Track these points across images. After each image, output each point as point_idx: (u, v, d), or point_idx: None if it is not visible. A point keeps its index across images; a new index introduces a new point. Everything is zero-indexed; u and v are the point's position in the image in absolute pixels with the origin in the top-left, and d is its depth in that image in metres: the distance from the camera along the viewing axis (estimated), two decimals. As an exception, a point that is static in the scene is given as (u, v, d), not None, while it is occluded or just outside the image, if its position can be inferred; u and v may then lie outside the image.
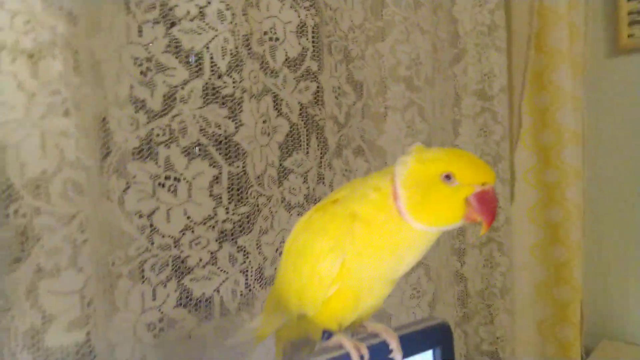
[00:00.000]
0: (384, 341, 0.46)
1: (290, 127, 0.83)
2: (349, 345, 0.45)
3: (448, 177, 0.45)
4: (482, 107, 1.28)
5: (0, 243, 0.49)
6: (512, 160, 1.37)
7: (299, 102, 0.85)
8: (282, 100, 0.82)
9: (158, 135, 0.68)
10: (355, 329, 0.51)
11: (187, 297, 0.70)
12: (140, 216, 0.66)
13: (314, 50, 0.87)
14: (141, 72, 0.67)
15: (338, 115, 0.94)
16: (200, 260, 0.71)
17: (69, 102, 0.50)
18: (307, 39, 0.86)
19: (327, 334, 0.48)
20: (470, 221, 0.45)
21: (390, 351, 0.46)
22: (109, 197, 0.63)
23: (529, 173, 1.41)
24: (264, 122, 0.79)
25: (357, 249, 0.46)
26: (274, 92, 0.81)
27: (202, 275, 0.71)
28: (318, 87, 0.88)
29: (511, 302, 1.26)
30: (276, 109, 0.81)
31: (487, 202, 0.44)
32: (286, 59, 0.83)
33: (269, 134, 0.79)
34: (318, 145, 0.88)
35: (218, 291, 0.72)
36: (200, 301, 0.71)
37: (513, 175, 1.37)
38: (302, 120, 0.85)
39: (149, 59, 0.67)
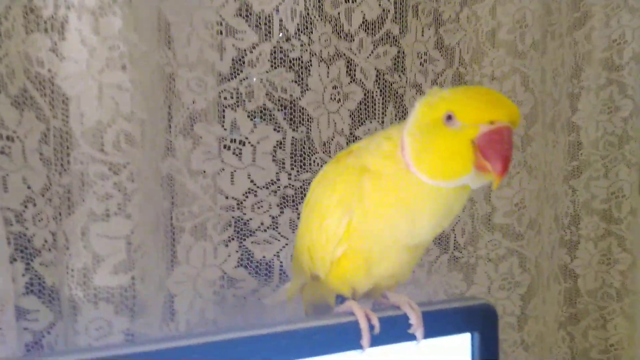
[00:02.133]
0: (405, 315, 0.41)
1: (365, 95, 0.79)
2: (358, 312, 0.41)
3: (449, 117, 0.38)
4: (607, 79, 1.10)
5: (62, 187, 0.53)
6: (644, 141, 1.16)
7: (376, 68, 0.80)
8: (356, 65, 0.78)
9: (226, 98, 0.69)
10: (377, 299, 0.47)
11: (248, 259, 0.72)
12: (205, 176, 0.68)
13: (395, 13, 0.81)
14: (211, 36, 0.68)
15: (423, 83, 0.88)
16: (262, 223, 0.72)
17: (126, 58, 0.53)
18: (388, 1, 0.81)
19: (341, 299, 0.45)
20: (484, 171, 0.38)
21: (410, 326, 0.41)
22: (175, 155, 0.65)
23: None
24: (334, 87, 0.76)
25: (366, 206, 0.42)
26: (348, 57, 0.77)
27: (263, 238, 0.72)
28: (399, 52, 0.83)
29: (631, 305, 1.07)
30: (349, 74, 0.78)
31: (494, 144, 0.37)
32: (363, 22, 0.79)
33: (339, 101, 0.77)
34: (396, 115, 0.83)
35: (278, 256, 0.72)
36: (260, 264, 0.72)
37: (645, 159, 1.16)
38: (378, 88, 0.81)
39: (219, 23, 0.68)
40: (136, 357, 0.38)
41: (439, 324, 0.41)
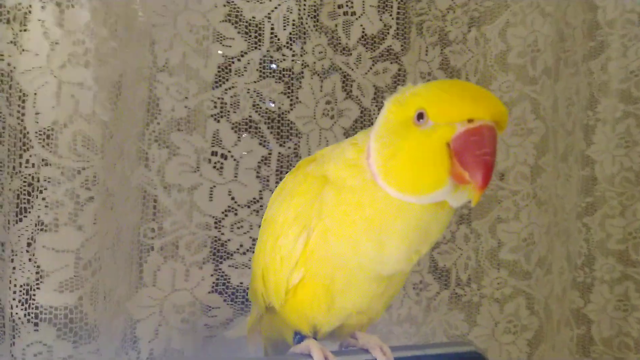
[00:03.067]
0: None
1: (361, 112, 0.74)
2: (316, 354, 0.34)
3: (420, 116, 0.32)
4: (624, 111, 1.04)
5: (12, 192, 0.48)
6: (665, 179, 1.08)
7: (374, 85, 0.75)
8: (353, 81, 0.73)
9: (209, 107, 0.64)
10: (344, 340, 0.40)
11: (223, 284, 0.65)
12: (180, 190, 0.62)
13: (398, 29, 0.77)
14: (196, 40, 0.64)
15: (425, 105, 0.82)
16: (241, 245, 0.65)
17: (92, 54, 0.48)
18: (390, 16, 0.76)
19: (299, 337, 0.38)
20: (462, 182, 0.31)
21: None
22: (147, 165, 0.60)
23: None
24: (328, 103, 0.71)
25: (326, 224, 0.35)
26: (344, 72, 0.73)
27: (242, 262, 0.65)
28: (400, 69, 0.78)
29: (651, 358, 0.98)
30: (345, 90, 0.73)
31: (473, 147, 0.30)
32: (362, 36, 0.74)
33: (332, 117, 0.71)
34: (395, 136, 0.77)
35: (257, 282, 0.66)
36: (237, 290, 0.65)
37: (666, 198, 1.08)
38: (376, 106, 0.75)
39: (205, 27, 0.64)
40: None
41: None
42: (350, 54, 0.73)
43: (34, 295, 0.47)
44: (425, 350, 0.36)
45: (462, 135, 0.30)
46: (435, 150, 0.31)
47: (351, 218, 0.35)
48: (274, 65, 0.66)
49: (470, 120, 0.31)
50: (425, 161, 0.32)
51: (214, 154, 0.64)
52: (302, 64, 0.67)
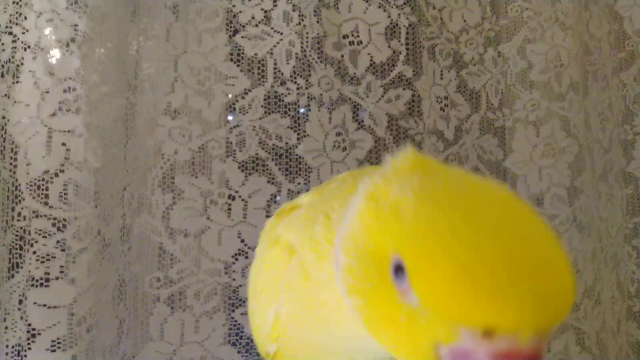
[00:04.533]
0: None
1: (375, 142, 0.70)
2: None
3: (399, 269, 0.19)
4: (666, 122, 0.96)
5: (5, 247, 0.46)
6: None
7: (387, 113, 0.72)
8: (364, 110, 0.70)
9: (213, 148, 0.62)
10: None
11: (237, 334, 0.61)
12: (186, 235, 0.59)
13: (408, 54, 0.74)
14: (198, 82, 0.62)
15: (445, 130, 0.78)
16: (254, 291, 0.61)
17: (82, 100, 0.47)
18: (399, 42, 0.73)
19: None
20: None
21: None
22: (150, 211, 0.58)
23: None
24: (338, 134, 0.67)
25: (290, 306, 0.29)
26: (354, 101, 0.70)
27: (255, 309, 0.61)
28: (413, 95, 0.74)
29: None
30: (356, 120, 0.69)
31: None
32: (371, 65, 0.71)
33: (344, 149, 0.68)
34: (413, 165, 0.73)
35: (272, 331, 0.61)
36: (251, 340, 0.61)
37: None
38: (391, 135, 0.71)
39: (207, 68, 0.63)
40: None
41: None
42: (359, 84, 0.70)
43: (25, 356, 0.44)
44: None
45: (461, 356, 0.17)
46: (421, 343, 0.19)
47: (313, 332, 0.28)
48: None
49: (488, 331, 0.16)
50: (405, 350, 0.20)
51: (220, 195, 0.62)
52: (308, 97, 0.65)
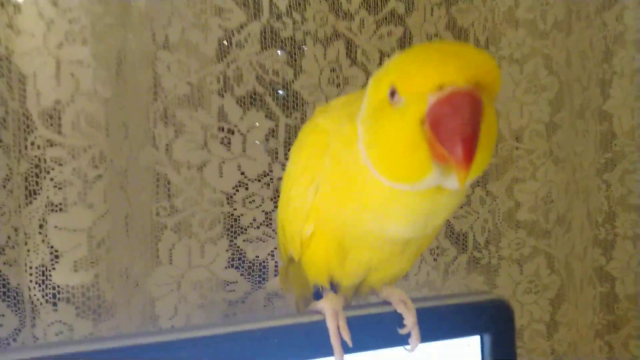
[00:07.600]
0: (397, 313, 0.33)
1: (367, 78, 0.72)
2: (329, 317, 0.34)
3: (393, 93, 0.28)
4: (642, 61, 1.00)
5: (21, 176, 0.48)
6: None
7: (379, 50, 0.73)
8: (357, 46, 0.72)
9: (211, 82, 0.63)
10: (367, 293, 0.39)
11: (239, 259, 0.65)
12: (189, 167, 0.62)
13: (400, -10, 0.75)
14: (194, 15, 0.62)
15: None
16: (254, 220, 0.65)
17: (88, 31, 0.48)
18: (392, -23, 0.74)
19: (317, 292, 0.37)
20: (447, 162, 0.26)
21: (403, 327, 0.33)
22: (155, 144, 0.60)
23: None
24: (333, 70, 0.69)
25: (325, 188, 0.34)
26: (347, 37, 0.71)
27: (256, 236, 0.65)
28: (405, 32, 0.75)
29: (678, 313, 0.96)
30: (349, 56, 0.71)
31: (447, 119, 0.25)
32: (364, 0, 0.72)
33: (338, 85, 0.70)
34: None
35: (272, 255, 0.66)
36: (253, 264, 0.65)
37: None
38: (383, 70, 0.73)
39: (203, 1, 0.63)
40: (113, 353, 0.32)
41: (441, 324, 0.33)
42: (353, 19, 0.71)
43: (50, 276, 0.48)
44: (447, 300, 0.35)
45: (433, 108, 0.26)
46: (410, 131, 0.27)
47: (346, 199, 0.33)
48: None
49: (440, 87, 0.25)
50: (403, 146, 0.28)
51: (220, 129, 0.64)
52: (304, 32, 0.66)
